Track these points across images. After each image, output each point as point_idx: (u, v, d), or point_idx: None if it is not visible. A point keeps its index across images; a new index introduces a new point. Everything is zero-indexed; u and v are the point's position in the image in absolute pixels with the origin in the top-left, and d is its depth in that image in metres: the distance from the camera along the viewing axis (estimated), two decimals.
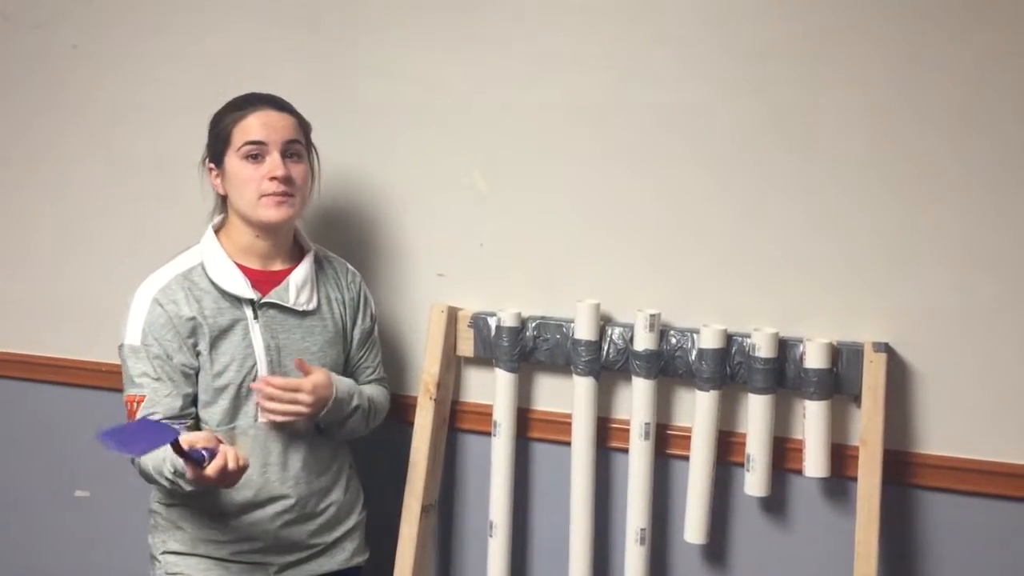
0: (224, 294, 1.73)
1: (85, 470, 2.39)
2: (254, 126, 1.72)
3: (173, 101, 2.22)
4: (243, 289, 1.74)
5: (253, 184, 1.71)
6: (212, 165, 1.78)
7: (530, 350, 1.95)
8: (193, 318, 1.71)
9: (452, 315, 2.00)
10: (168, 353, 1.69)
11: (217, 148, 1.75)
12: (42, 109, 2.35)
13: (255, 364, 1.74)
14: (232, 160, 1.73)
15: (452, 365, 2.03)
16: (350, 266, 1.94)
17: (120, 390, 1.71)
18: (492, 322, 1.98)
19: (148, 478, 1.68)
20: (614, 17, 1.90)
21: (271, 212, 1.72)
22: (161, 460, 1.62)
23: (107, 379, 2.30)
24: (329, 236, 2.06)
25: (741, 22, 1.82)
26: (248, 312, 1.74)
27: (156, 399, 1.68)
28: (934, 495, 1.81)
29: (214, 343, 1.72)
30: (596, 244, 1.95)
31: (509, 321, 1.94)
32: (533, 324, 1.95)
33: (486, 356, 2.00)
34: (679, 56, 1.87)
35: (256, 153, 1.71)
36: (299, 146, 1.77)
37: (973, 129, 1.72)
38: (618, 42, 1.90)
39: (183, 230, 2.04)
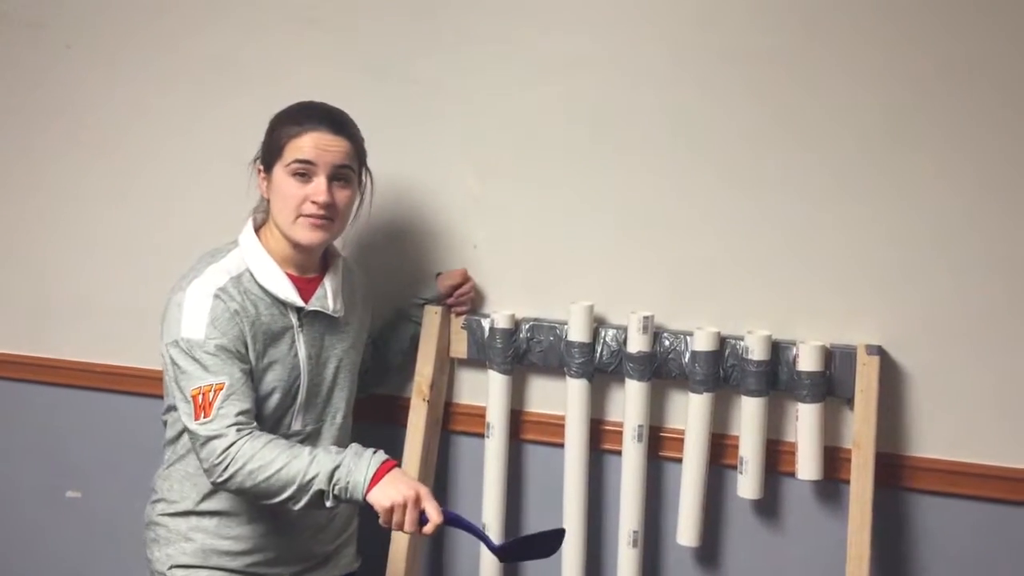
0: (275, 300, 1.71)
1: (77, 471, 2.38)
2: (307, 146, 1.67)
3: (168, 101, 2.21)
4: (293, 296, 1.71)
5: (294, 202, 1.67)
6: (262, 168, 1.75)
7: (523, 352, 1.95)
8: (253, 321, 1.67)
9: (445, 316, 2.00)
10: (234, 345, 1.64)
11: (269, 156, 1.72)
12: (36, 108, 2.33)
13: (300, 373, 1.72)
14: (279, 172, 1.69)
15: (445, 367, 2.03)
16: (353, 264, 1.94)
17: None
18: (485, 324, 1.98)
19: (266, 493, 1.57)
20: (611, 18, 1.90)
21: (306, 234, 1.69)
22: (312, 477, 1.56)
23: (100, 380, 2.30)
24: None
25: (740, 24, 1.83)
26: (294, 319, 1.72)
27: (235, 385, 1.61)
28: (926, 498, 1.81)
29: (265, 349, 1.69)
30: (590, 246, 1.95)
31: (502, 323, 1.94)
32: (526, 326, 1.95)
33: (479, 358, 1.99)
34: (675, 57, 1.87)
35: (304, 172, 1.68)
36: (348, 171, 1.72)
37: (972, 131, 1.72)
38: (613, 44, 1.90)
39: (181, 229, 2.05)
